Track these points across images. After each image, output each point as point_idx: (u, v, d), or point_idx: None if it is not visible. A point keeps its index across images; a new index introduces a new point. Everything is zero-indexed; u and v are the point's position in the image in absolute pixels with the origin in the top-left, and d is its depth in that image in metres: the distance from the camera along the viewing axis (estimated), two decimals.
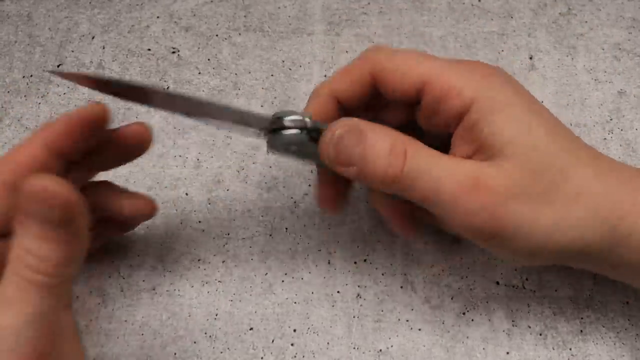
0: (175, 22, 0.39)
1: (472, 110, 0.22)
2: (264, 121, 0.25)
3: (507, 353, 0.29)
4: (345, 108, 0.25)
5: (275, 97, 0.36)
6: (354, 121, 0.23)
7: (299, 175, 0.34)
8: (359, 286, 0.31)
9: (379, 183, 0.22)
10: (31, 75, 0.37)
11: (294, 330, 0.30)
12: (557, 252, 0.22)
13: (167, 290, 0.31)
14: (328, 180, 0.26)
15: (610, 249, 0.22)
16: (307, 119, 0.24)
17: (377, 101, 0.25)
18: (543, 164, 0.21)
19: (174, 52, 0.38)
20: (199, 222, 0.32)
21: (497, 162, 0.22)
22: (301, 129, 0.24)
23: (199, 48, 0.38)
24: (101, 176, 0.28)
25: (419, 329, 0.30)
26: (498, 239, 0.22)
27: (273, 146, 0.25)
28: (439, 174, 0.22)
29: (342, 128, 0.23)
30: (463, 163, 0.22)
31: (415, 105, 0.24)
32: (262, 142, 0.35)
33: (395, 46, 0.38)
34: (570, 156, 0.22)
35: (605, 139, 0.35)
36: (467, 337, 0.29)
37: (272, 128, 0.24)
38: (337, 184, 0.27)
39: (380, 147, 0.22)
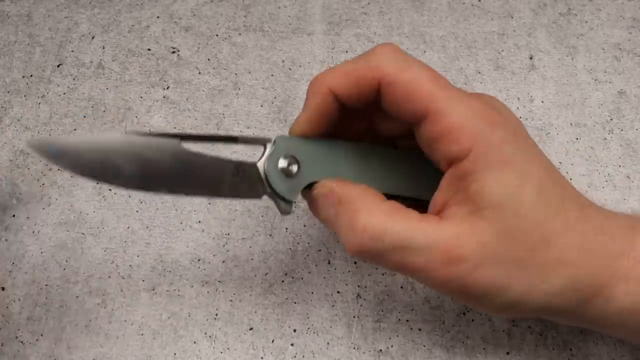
0: (175, 22, 0.39)
1: (466, 160, 0.21)
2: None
3: (507, 353, 0.29)
4: (343, 106, 0.25)
5: (275, 97, 0.36)
6: (331, 185, 0.24)
7: None
8: (359, 286, 0.31)
9: (350, 250, 0.22)
10: (31, 75, 0.37)
11: (294, 330, 0.30)
12: (529, 312, 0.22)
13: (167, 290, 0.31)
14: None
15: (586, 312, 0.22)
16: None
17: (377, 108, 0.25)
18: (525, 231, 0.21)
19: (174, 52, 0.38)
20: (199, 222, 0.32)
21: (476, 222, 0.21)
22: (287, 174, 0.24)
23: (199, 48, 0.38)
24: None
25: (419, 329, 0.30)
26: (469, 302, 0.23)
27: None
28: (412, 252, 0.21)
29: (320, 189, 0.24)
30: (439, 233, 0.21)
31: (414, 125, 0.24)
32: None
33: None
34: (556, 222, 0.22)
35: (605, 139, 0.35)
36: (467, 337, 0.29)
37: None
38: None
39: (354, 223, 0.22)
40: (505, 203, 0.21)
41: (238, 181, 0.24)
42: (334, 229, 0.23)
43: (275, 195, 0.24)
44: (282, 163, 0.24)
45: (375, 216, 0.22)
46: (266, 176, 0.24)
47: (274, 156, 0.24)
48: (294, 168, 0.24)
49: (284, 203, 0.24)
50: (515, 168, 0.21)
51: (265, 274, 0.31)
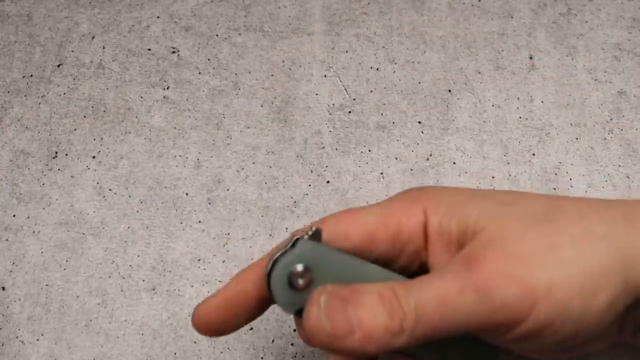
0: (176, 22, 0.39)
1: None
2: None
3: (507, 353, 0.29)
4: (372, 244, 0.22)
5: (275, 97, 0.36)
6: (328, 286, 0.19)
7: (299, 175, 0.34)
8: None
9: (388, 338, 0.18)
10: (31, 75, 0.37)
11: (294, 330, 0.30)
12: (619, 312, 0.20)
13: (167, 290, 0.31)
14: None
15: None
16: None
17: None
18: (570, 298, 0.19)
19: (174, 52, 0.38)
20: (199, 222, 0.33)
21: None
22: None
23: (199, 48, 0.38)
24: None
25: None
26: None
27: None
28: (437, 291, 0.19)
29: (323, 293, 0.19)
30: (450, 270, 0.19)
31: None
32: (261, 142, 0.35)
33: (395, 46, 0.38)
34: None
35: (605, 139, 0.35)
36: None
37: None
38: None
39: (370, 299, 0.18)
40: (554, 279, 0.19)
41: None
42: (359, 326, 0.18)
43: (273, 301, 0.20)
44: (293, 272, 0.20)
45: (387, 285, 0.19)
46: (269, 281, 0.20)
47: (287, 261, 0.20)
48: (303, 281, 0.20)
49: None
50: (551, 251, 0.19)
51: None
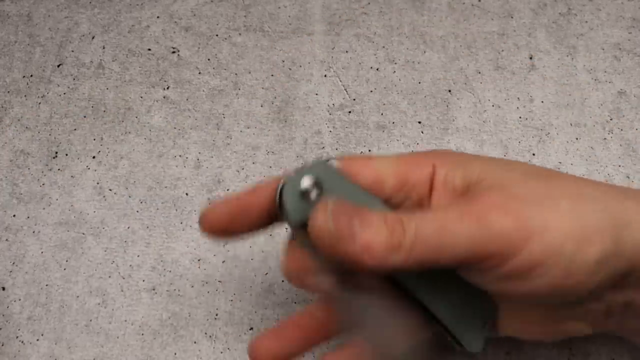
0: (176, 22, 0.39)
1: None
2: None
3: (507, 353, 0.29)
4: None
5: (275, 97, 0.36)
6: (337, 199, 0.20)
7: None
8: None
9: (386, 253, 0.19)
10: (31, 75, 0.37)
11: None
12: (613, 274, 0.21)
13: (167, 290, 0.31)
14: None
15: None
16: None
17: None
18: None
19: (174, 52, 0.38)
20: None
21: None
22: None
23: (199, 48, 0.38)
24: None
25: None
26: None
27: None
28: (441, 221, 0.19)
29: (332, 200, 0.20)
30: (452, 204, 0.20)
31: None
32: (261, 142, 0.35)
33: (395, 46, 0.38)
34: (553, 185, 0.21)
35: (605, 139, 0.35)
36: None
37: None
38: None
39: (375, 218, 0.19)
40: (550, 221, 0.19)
41: None
42: (361, 236, 0.19)
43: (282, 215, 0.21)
44: (305, 184, 0.21)
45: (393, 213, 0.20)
46: (282, 190, 0.21)
47: (300, 172, 0.21)
48: (314, 194, 0.21)
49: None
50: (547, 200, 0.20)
51: (265, 274, 0.31)
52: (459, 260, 0.19)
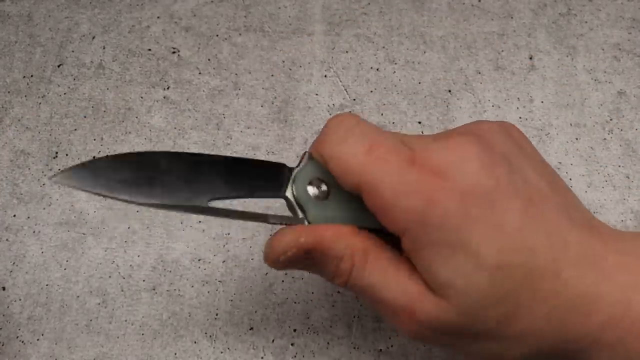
0: (176, 22, 0.39)
1: (405, 238, 0.20)
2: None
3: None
4: None
5: (275, 97, 0.36)
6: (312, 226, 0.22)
7: None
8: None
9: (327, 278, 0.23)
10: (31, 75, 0.37)
11: (294, 330, 0.30)
12: None
13: (167, 290, 0.31)
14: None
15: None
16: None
17: None
18: (484, 309, 0.19)
19: (174, 52, 0.38)
20: (199, 222, 0.33)
21: (435, 299, 0.20)
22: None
23: (199, 48, 0.38)
24: None
25: None
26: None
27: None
28: (381, 294, 0.21)
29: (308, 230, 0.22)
30: (407, 287, 0.21)
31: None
32: (262, 142, 0.35)
33: (395, 46, 0.38)
34: (520, 297, 0.19)
35: (605, 139, 0.35)
36: None
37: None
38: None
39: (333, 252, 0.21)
40: (457, 282, 0.19)
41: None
42: (313, 260, 0.22)
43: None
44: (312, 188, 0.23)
45: (355, 252, 0.21)
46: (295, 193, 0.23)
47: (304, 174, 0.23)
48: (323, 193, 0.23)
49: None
50: (461, 249, 0.19)
51: (265, 274, 0.31)
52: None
